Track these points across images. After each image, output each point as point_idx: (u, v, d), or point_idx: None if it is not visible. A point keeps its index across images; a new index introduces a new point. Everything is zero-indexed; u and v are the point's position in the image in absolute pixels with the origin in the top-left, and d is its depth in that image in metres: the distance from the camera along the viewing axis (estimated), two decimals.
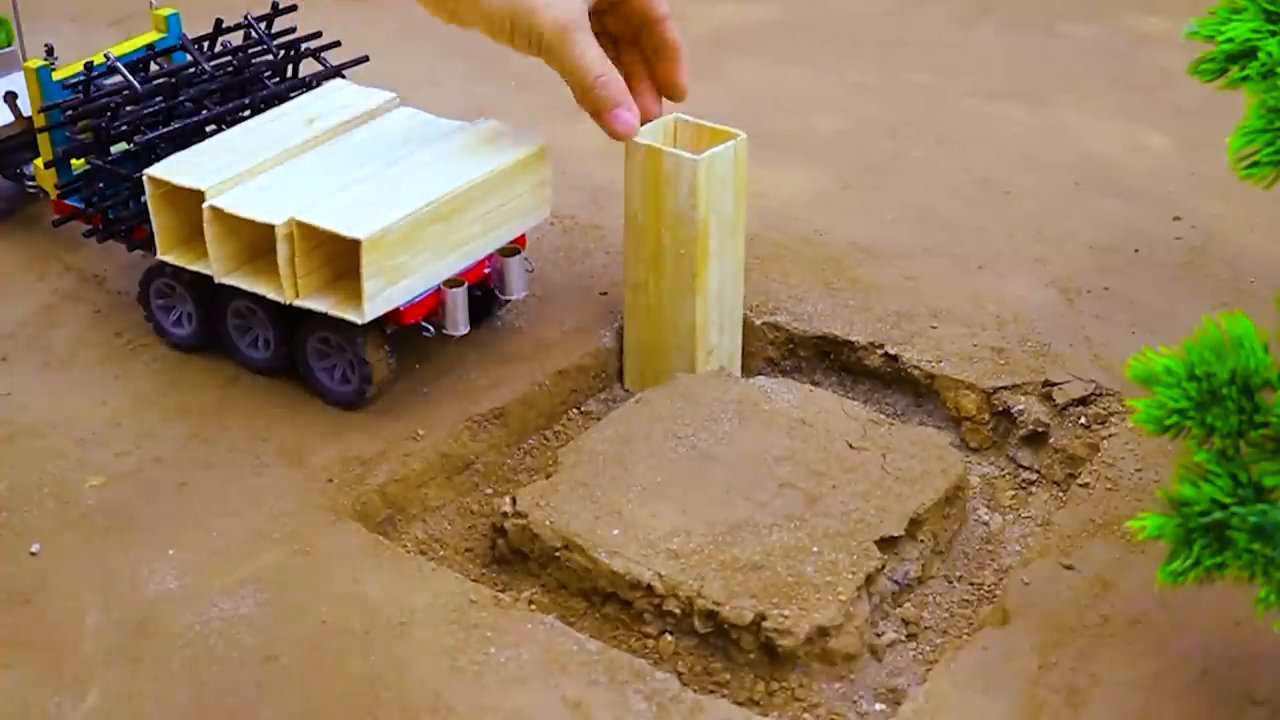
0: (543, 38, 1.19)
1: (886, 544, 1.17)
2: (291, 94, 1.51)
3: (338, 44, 1.59)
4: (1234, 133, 1.05)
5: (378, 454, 1.31)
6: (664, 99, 1.36)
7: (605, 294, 1.55)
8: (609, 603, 1.16)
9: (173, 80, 1.46)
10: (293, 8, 1.60)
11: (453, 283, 1.35)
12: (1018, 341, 1.45)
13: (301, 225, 1.27)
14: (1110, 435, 1.32)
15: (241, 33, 1.55)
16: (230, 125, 1.45)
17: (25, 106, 1.56)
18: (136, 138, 1.41)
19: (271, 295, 1.31)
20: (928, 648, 1.16)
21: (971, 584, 1.23)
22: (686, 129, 1.38)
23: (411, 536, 1.27)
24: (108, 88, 1.49)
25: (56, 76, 1.48)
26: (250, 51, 1.53)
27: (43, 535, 1.21)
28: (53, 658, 1.08)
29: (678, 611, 1.12)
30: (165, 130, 1.42)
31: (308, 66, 1.57)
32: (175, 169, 1.34)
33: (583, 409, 1.46)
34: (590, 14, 1.26)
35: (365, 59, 1.59)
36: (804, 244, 1.65)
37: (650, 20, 1.29)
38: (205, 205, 1.29)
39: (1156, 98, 2.06)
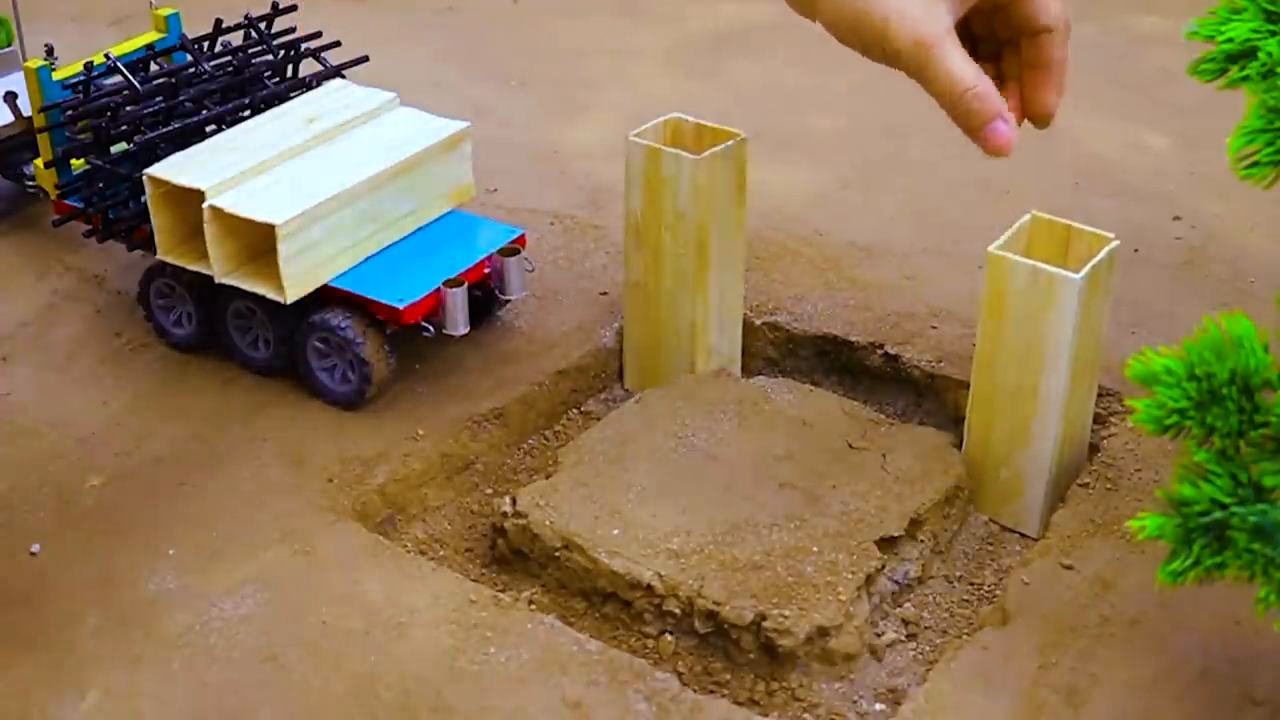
0: (900, 54, 1.11)
1: (886, 544, 1.17)
2: (291, 94, 1.51)
3: (338, 44, 1.59)
4: (1234, 133, 1.05)
5: (378, 454, 1.31)
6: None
7: (605, 294, 1.55)
8: (609, 603, 1.16)
9: (173, 80, 1.46)
10: (293, 8, 1.60)
11: (453, 283, 1.35)
12: None
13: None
14: (1110, 435, 1.32)
15: (241, 33, 1.55)
16: (230, 125, 1.45)
17: (25, 106, 1.56)
18: (136, 138, 1.41)
19: (271, 295, 1.31)
20: (928, 648, 1.16)
21: (971, 584, 1.23)
22: (686, 129, 1.38)
23: (411, 536, 1.27)
24: (108, 88, 1.48)
25: (56, 76, 1.48)
26: (250, 51, 1.53)
27: (43, 535, 1.21)
28: (53, 658, 1.08)
29: (678, 611, 1.12)
30: (165, 130, 1.42)
31: (308, 66, 1.57)
32: (175, 169, 1.34)
33: (583, 409, 1.46)
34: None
35: (365, 59, 1.59)
36: (804, 244, 1.65)
37: (1034, 30, 1.22)
38: (205, 205, 1.29)
39: (1156, 98, 2.06)
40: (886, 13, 1.06)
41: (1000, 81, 1.21)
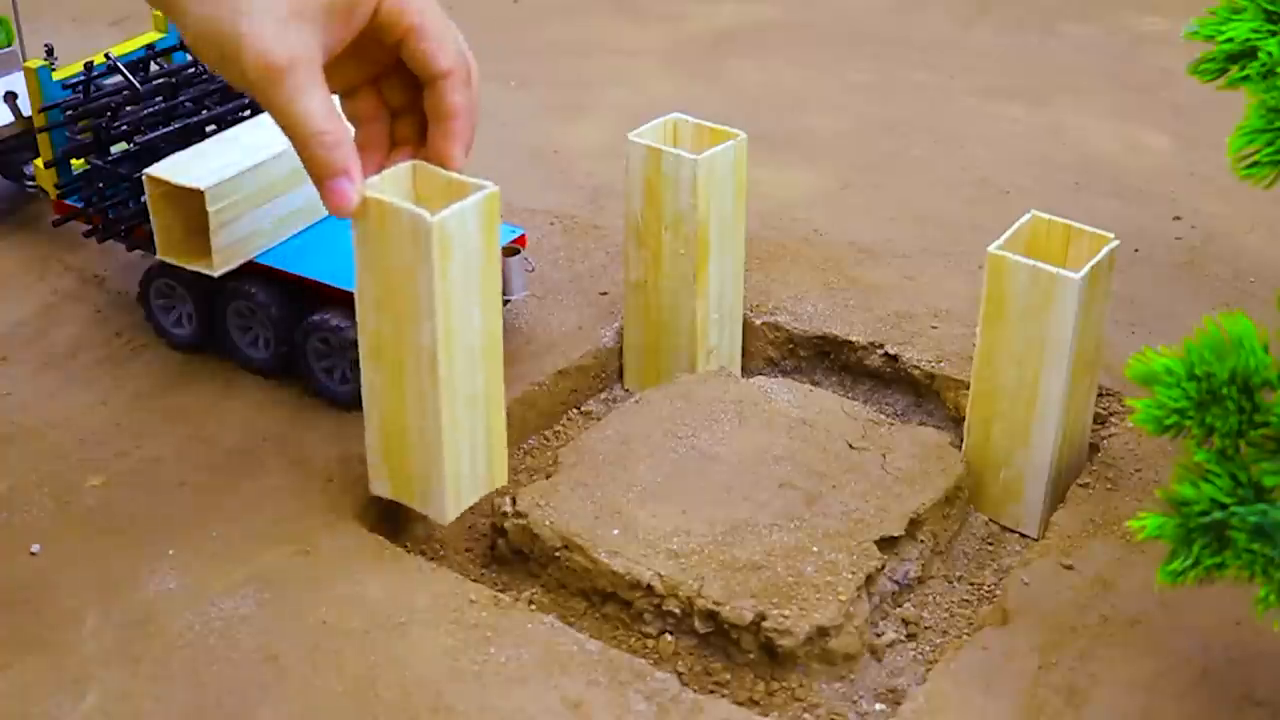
0: (248, 78, 0.92)
1: (886, 544, 1.17)
2: None
3: None
4: (1234, 133, 1.05)
5: None
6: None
7: (605, 294, 1.55)
8: (609, 603, 1.16)
9: (173, 80, 1.46)
10: None
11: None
12: None
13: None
14: (1110, 435, 1.32)
15: None
16: (230, 125, 1.45)
17: (25, 106, 1.56)
18: (136, 138, 1.41)
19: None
20: (928, 648, 1.16)
21: (971, 584, 1.23)
22: (686, 129, 1.38)
23: (411, 536, 1.27)
24: (108, 88, 1.48)
25: (56, 76, 1.48)
26: None
27: (43, 535, 1.21)
28: (53, 658, 1.08)
29: (678, 611, 1.12)
30: (165, 130, 1.42)
31: None
32: (175, 169, 1.34)
33: (583, 409, 1.46)
34: (362, 85, 1.03)
35: None
36: (804, 244, 1.65)
37: (429, 76, 1.02)
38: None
39: (1156, 98, 2.06)
40: (242, 29, 0.90)
41: (392, 144, 1.05)
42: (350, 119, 1.05)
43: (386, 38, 1.00)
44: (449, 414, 1.07)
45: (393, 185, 1.05)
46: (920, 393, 1.44)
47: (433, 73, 1.02)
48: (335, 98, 1.05)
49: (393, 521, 1.28)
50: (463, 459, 1.10)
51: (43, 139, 1.48)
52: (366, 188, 1.01)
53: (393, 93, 1.05)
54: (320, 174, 0.97)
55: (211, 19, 0.92)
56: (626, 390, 1.48)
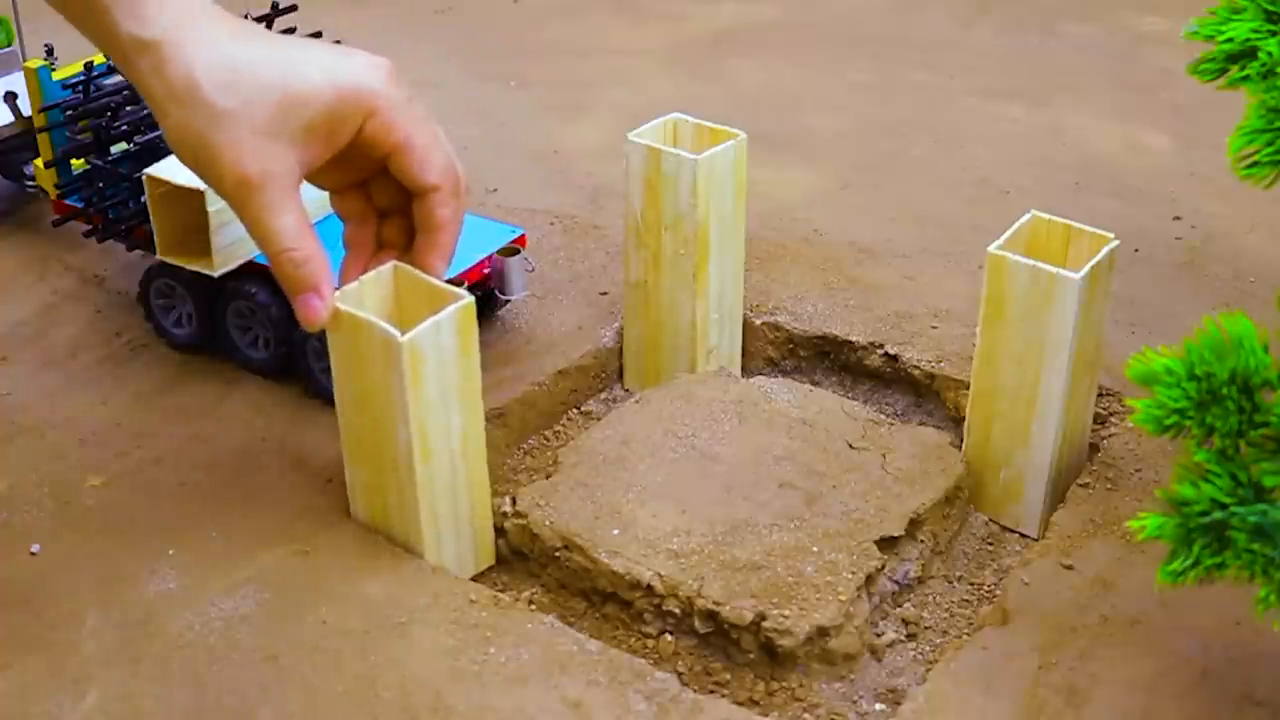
0: (221, 185, 0.95)
1: (886, 544, 1.17)
2: None
3: (337, 44, 1.58)
4: (1234, 133, 1.05)
5: None
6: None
7: (605, 294, 1.55)
8: (609, 603, 1.16)
9: None
10: (293, 8, 1.60)
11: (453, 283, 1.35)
12: None
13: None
14: (1110, 435, 1.32)
15: None
16: None
17: (25, 106, 1.56)
18: (136, 138, 1.41)
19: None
20: (928, 648, 1.16)
21: (971, 584, 1.23)
22: (687, 129, 1.38)
23: None
24: (108, 88, 1.48)
25: (56, 76, 1.48)
26: None
27: (43, 535, 1.21)
28: (53, 658, 1.08)
29: (678, 611, 1.12)
30: None
31: None
32: (175, 169, 1.34)
33: (583, 409, 1.46)
34: (350, 187, 1.05)
35: None
36: (804, 244, 1.65)
37: (416, 190, 1.03)
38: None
39: (1156, 97, 2.06)
40: (218, 140, 0.92)
41: (379, 247, 1.07)
42: (338, 215, 1.08)
43: (373, 152, 1.02)
44: (428, 510, 1.12)
45: (373, 287, 1.08)
46: (920, 393, 1.44)
47: (420, 187, 1.03)
48: (325, 194, 1.07)
49: None
50: (444, 548, 1.16)
51: (43, 139, 1.49)
52: (342, 297, 1.04)
53: (381, 195, 1.08)
54: (289, 289, 1.00)
55: (189, 124, 0.93)
56: (626, 390, 1.48)
